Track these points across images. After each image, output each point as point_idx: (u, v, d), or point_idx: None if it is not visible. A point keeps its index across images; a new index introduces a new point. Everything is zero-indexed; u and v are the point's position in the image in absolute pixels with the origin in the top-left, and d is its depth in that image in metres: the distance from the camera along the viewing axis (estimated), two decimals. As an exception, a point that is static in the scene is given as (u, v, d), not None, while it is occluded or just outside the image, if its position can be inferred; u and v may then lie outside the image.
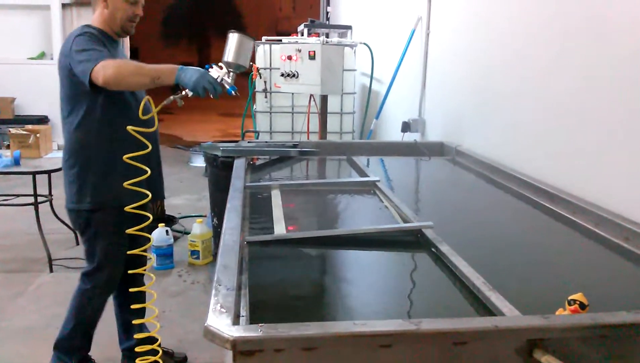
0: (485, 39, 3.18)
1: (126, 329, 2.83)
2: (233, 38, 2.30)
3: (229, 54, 2.30)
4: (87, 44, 2.27)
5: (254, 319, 1.23)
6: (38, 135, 3.98)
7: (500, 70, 2.99)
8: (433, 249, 1.71)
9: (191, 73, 2.23)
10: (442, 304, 1.45)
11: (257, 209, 2.17)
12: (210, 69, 2.30)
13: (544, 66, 2.54)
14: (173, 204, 5.64)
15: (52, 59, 8.75)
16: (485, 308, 1.34)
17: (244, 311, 1.27)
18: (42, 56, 8.82)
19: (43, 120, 8.63)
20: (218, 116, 13.76)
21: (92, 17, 2.47)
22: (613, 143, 2.05)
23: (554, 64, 2.45)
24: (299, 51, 3.37)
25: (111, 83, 2.20)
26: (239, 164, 2.69)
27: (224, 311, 1.13)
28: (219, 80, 2.27)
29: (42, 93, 8.70)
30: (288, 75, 3.50)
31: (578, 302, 1.19)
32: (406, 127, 4.25)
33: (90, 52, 2.24)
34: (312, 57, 3.28)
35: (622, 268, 1.73)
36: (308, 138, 4.23)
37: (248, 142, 3.36)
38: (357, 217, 2.23)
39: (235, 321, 1.13)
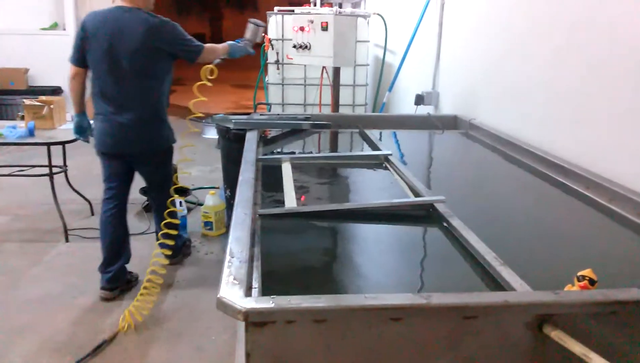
0: (503, 8, 3.12)
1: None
2: (250, 27, 3.46)
3: (248, 35, 3.47)
4: (184, 32, 3.29)
5: (265, 291, 1.25)
6: (52, 106, 4.00)
7: (516, 42, 2.94)
8: (444, 223, 1.71)
9: (234, 49, 3.45)
10: (453, 279, 1.46)
11: (269, 182, 2.18)
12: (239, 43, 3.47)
13: (562, 37, 2.49)
14: (185, 175, 5.67)
15: (64, 29, 8.74)
16: (496, 283, 1.34)
17: (256, 283, 1.29)
18: (54, 26, 8.79)
19: (57, 91, 8.65)
20: (231, 88, 13.68)
21: (134, 2, 3.18)
22: (630, 116, 2.02)
23: (572, 35, 2.41)
24: (312, 22, 3.33)
25: (204, 60, 3.27)
26: (251, 137, 2.69)
27: (236, 283, 1.15)
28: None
29: (55, 64, 8.70)
30: (300, 46, 3.47)
31: (587, 278, 1.19)
32: (420, 100, 4.22)
33: (192, 40, 3.30)
34: (324, 28, 3.24)
35: (634, 244, 1.72)
36: (320, 111, 4.21)
37: (260, 115, 3.36)
38: (369, 191, 2.23)
39: (247, 293, 1.15)
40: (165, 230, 3.34)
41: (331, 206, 1.84)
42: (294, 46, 3.52)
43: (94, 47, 3.11)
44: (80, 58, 3.19)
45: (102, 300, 3.25)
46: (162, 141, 3.40)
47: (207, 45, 3.37)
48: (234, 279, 1.16)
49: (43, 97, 4.20)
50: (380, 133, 3.20)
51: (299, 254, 1.57)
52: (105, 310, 3.14)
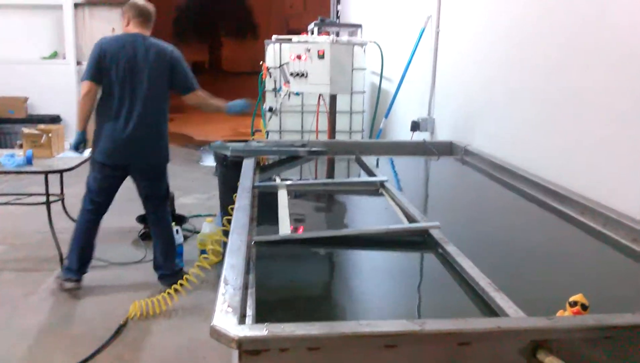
0: (496, 37, 3.18)
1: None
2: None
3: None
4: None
5: (260, 319, 1.25)
6: (50, 134, 4.03)
7: (510, 69, 2.98)
8: (439, 249, 1.71)
9: (231, 108, 3.95)
10: (447, 305, 1.46)
11: (266, 209, 2.19)
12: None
13: (556, 63, 2.53)
14: (183, 203, 5.68)
15: (64, 58, 8.84)
16: (489, 309, 1.34)
17: (250, 311, 1.29)
18: (54, 55, 8.90)
19: (56, 119, 8.71)
20: (229, 115, 13.77)
21: (147, 31, 3.64)
22: (627, 143, 2.04)
23: (567, 61, 2.44)
24: (308, 50, 3.38)
25: (194, 100, 3.86)
26: (248, 164, 2.71)
27: (230, 310, 1.15)
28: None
29: (54, 92, 8.80)
30: (297, 74, 3.51)
31: (580, 303, 1.19)
32: (415, 126, 4.25)
33: (193, 75, 3.82)
34: (321, 56, 3.29)
35: (629, 269, 1.72)
36: (317, 138, 4.24)
37: (257, 142, 3.38)
38: (364, 217, 2.24)
39: (241, 320, 1.14)
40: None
41: (326, 233, 1.85)
42: (291, 74, 3.57)
43: (112, 68, 3.45)
44: (97, 76, 3.45)
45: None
46: (166, 155, 3.80)
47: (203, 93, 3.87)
48: (228, 307, 1.16)
49: (42, 126, 4.23)
50: (378, 159, 3.22)
51: (294, 281, 1.57)
52: (101, 338, 3.11)
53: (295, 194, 2.42)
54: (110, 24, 8.87)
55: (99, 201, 3.65)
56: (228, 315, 1.13)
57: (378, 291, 1.52)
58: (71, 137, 8.32)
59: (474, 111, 3.45)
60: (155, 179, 3.81)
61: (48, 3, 8.63)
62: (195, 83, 3.78)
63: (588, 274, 1.68)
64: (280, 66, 3.69)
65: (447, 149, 3.48)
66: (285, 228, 1.87)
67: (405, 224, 1.93)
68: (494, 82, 3.17)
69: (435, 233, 1.79)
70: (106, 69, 3.45)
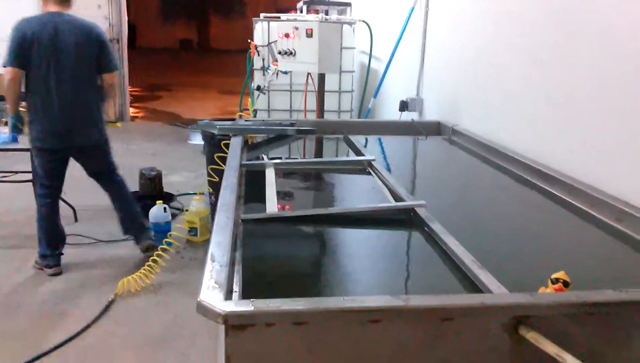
0: (485, 16, 3.17)
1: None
2: None
3: None
4: None
5: (246, 295, 1.25)
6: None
7: (499, 49, 2.98)
8: (425, 228, 1.73)
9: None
10: (432, 282, 1.48)
11: (253, 187, 2.19)
12: None
13: (545, 43, 2.53)
14: (171, 181, 5.66)
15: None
16: (474, 286, 1.36)
17: (236, 287, 1.30)
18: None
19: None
20: (217, 94, 13.69)
21: (67, 8, 3.53)
22: (611, 123, 2.06)
23: (557, 38, 2.45)
24: (297, 28, 3.35)
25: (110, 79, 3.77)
26: (235, 143, 2.70)
27: (217, 286, 1.16)
28: None
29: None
30: (285, 53, 3.49)
31: (562, 280, 1.21)
32: (404, 106, 4.26)
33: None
34: (309, 35, 3.26)
35: (612, 248, 1.75)
36: (305, 117, 4.22)
37: (245, 120, 3.36)
38: (351, 196, 2.25)
39: (228, 296, 1.15)
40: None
41: (313, 211, 1.85)
42: (279, 52, 3.54)
43: (36, 50, 3.36)
44: (20, 60, 3.38)
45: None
46: (101, 134, 3.77)
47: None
48: (215, 283, 1.17)
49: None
50: (366, 139, 3.22)
51: (281, 258, 1.58)
52: (90, 317, 3.12)
53: (283, 173, 2.42)
54: (95, 1, 8.73)
55: (48, 184, 3.64)
56: (214, 291, 1.14)
57: (364, 268, 1.54)
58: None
59: (462, 91, 3.45)
60: (96, 158, 3.83)
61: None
62: (117, 64, 3.86)
63: (572, 253, 1.71)
64: (269, 44, 3.65)
65: (435, 129, 3.49)
66: (272, 206, 1.87)
67: (392, 203, 1.94)
68: (482, 62, 3.17)
69: (422, 212, 1.81)
70: (28, 51, 3.37)
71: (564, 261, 1.59)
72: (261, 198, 1.99)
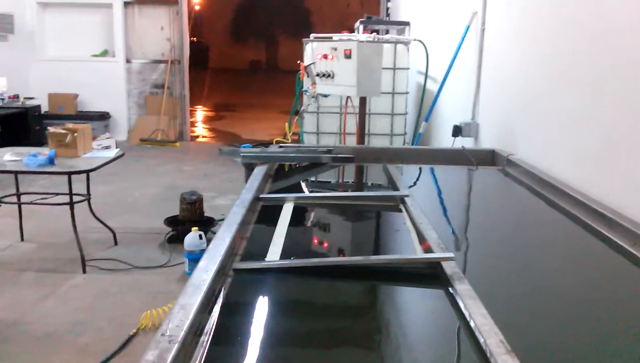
0: (546, 36, 2.82)
1: None
2: None
3: None
4: None
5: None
6: (76, 134, 3.94)
7: (561, 71, 2.62)
8: (450, 288, 1.42)
9: None
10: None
11: (267, 225, 1.96)
12: None
13: (613, 68, 2.17)
14: (218, 204, 5.54)
15: (114, 56, 8.93)
16: (496, 379, 1.05)
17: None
18: (105, 53, 9.00)
19: (104, 116, 8.82)
20: (278, 114, 13.67)
21: None
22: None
23: (624, 65, 2.09)
24: (335, 49, 3.12)
25: None
26: (258, 173, 2.49)
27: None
28: None
29: (104, 89, 8.91)
30: (324, 75, 3.26)
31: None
32: (457, 131, 3.92)
33: None
34: (348, 56, 3.03)
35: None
36: (344, 142, 3.97)
37: (279, 146, 3.15)
38: (373, 240, 1.97)
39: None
40: None
41: (318, 261, 1.59)
42: (318, 74, 3.32)
43: None
44: None
45: None
46: None
47: None
48: (154, 367, 0.93)
49: (70, 125, 4.15)
50: (420, 169, 2.94)
51: (268, 325, 1.31)
52: (109, 349, 2.96)
53: (304, 209, 2.17)
54: (158, 23, 8.89)
55: None
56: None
57: (363, 339, 1.26)
58: (117, 133, 8.37)
59: (521, 116, 3.10)
60: None
61: (99, 2, 8.74)
62: None
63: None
64: (308, 65, 3.44)
65: (489, 158, 3.14)
66: (275, 252, 1.62)
67: (412, 255, 1.65)
68: (544, 85, 2.81)
69: (449, 267, 1.50)
70: None
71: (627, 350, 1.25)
72: (269, 240, 1.75)
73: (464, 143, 3.66)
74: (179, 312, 1.13)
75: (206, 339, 1.15)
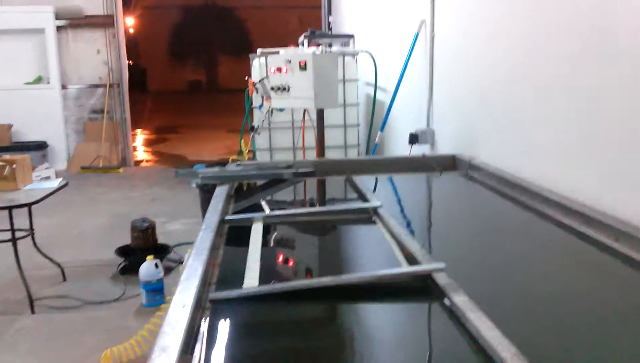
0: (496, 39, 2.83)
1: None
2: None
3: None
4: None
5: None
6: (14, 166, 3.68)
7: (514, 73, 2.62)
8: (446, 301, 1.34)
9: None
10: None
11: (237, 248, 1.83)
12: None
13: (564, 67, 2.17)
14: (169, 230, 5.32)
15: (48, 83, 8.54)
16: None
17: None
18: (38, 80, 8.59)
19: (42, 146, 8.40)
20: (226, 133, 13.46)
21: None
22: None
23: (575, 65, 2.09)
24: (289, 61, 3.03)
25: None
26: (220, 194, 2.35)
27: None
28: None
29: (39, 118, 8.49)
30: (279, 88, 3.16)
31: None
32: (414, 139, 3.90)
33: None
34: (303, 67, 2.94)
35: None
36: (304, 156, 3.88)
37: (237, 164, 3.02)
38: (352, 256, 1.87)
39: None
40: None
41: (301, 284, 1.47)
42: (272, 88, 3.21)
43: None
44: None
45: None
46: None
47: None
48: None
49: (7, 156, 3.87)
50: (376, 179, 2.86)
51: (259, 360, 1.19)
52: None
53: (274, 227, 2.06)
54: (94, 46, 8.58)
55: None
56: None
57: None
58: (56, 162, 7.97)
59: (478, 120, 3.09)
60: None
61: (30, 27, 8.34)
62: None
63: None
64: (260, 80, 3.34)
65: (450, 163, 3.11)
66: (251, 279, 1.50)
67: (401, 269, 1.55)
68: (499, 88, 2.81)
69: (440, 277, 1.42)
70: None
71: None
72: (243, 265, 1.63)
73: (420, 150, 3.64)
74: (160, 356, 0.99)
75: (191, 384, 1.01)
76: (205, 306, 1.33)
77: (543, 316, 1.33)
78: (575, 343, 1.22)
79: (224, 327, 1.28)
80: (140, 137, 13.52)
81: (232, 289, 1.43)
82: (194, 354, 1.11)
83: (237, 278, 1.52)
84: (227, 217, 2.08)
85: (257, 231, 1.93)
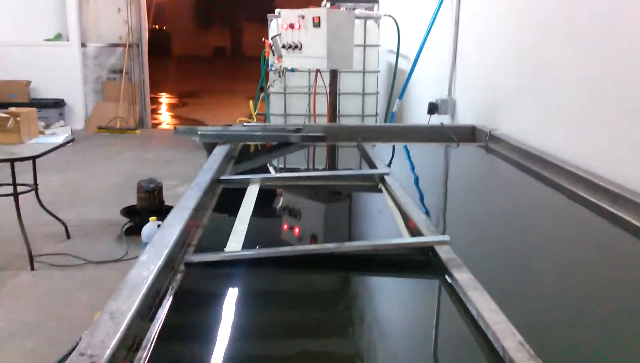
0: (526, 6, 2.61)
1: None
2: None
3: None
4: None
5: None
6: (19, 118, 3.58)
7: (542, 43, 2.41)
8: (447, 277, 1.18)
9: None
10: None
11: (228, 211, 1.70)
12: None
13: (594, 38, 1.96)
14: (180, 193, 5.21)
15: (68, 40, 8.44)
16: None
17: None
18: (58, 37, 8.49)
19: (59, 103, 8.34)
20: (245, 99, 13.29)
21: None
22: None
23: (606, 35, 1.88)
24: (302, 17, 2.84)
25: None
26: (218, 153, 2.21)
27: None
28: None
29: (58, 75, 8.42)
30: (290, 46, 2.98)
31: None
32: (433, 108, 3.71)
33: None
34: (316, 24, 2.75)
35: None
36: (314, 121, 3.71)
37: (243, 125, 2.88)
38: (350, 225, 1.72)
39: None
40: None
41: (288, 250, 1.33)
42: (284, 46, 3.04)
43: None
44: None
45: None
46: None
47: None
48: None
49: (13, 109, 3.78)
50: (392, 147, 2.70)
51: (227, 333, 1.05)
52: (57, 353, 2.66)
53: (271, 191, 1.92)
54: (115, 4, 8.43)
55: None
56: None
57: (343, 345, 1.01)
58: (71, 121, 7.92)
59: (502, 91, 2.89)
60: None
61: (51, -17, 8.22)
62: None
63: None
64: (273, 37, 3.16)
65: (469, 134, 2.93)
66: (235, 242, 1.36)
67: (401, 239, 1.40)
68: (525, 58, 2.60)
69: (443, 252, 1.27)
70: None
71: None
72: (230, 228, 1.49)
73: (440, 120, 3.45)
74: (106, 322, 0.86)
75: (145, 355, 0.88)
76: (178, 269, 1.19)
77: (557, 298, 1.17)
78: (587, 333, 1.07)
79: (196, 293, 1.15)
80: (160, 100, 13.45)
81: (212, 252, 1.29)
82: (154, 322, 0.98)
83: (223, 242, 1.39)
84: (223, 177, 1.95)
85: (251, 193, 1.80)
